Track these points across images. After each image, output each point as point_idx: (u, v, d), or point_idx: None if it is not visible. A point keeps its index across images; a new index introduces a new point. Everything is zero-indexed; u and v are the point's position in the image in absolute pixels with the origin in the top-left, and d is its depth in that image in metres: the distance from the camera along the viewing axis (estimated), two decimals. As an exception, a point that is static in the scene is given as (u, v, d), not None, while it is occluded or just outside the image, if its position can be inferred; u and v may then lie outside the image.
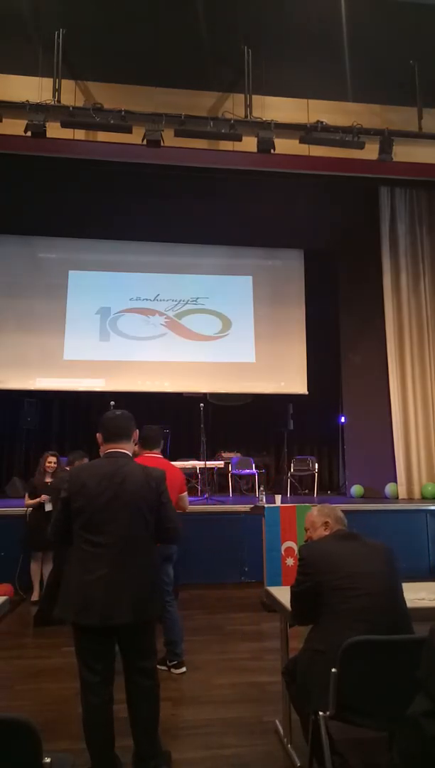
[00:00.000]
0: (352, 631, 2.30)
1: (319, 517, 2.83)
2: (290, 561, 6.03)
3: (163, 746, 2.88)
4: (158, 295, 10.82)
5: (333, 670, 2.27)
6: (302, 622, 2.73)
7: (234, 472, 10.11)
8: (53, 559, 6.18)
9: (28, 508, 6.33)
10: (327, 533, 2.76)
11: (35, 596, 6.30)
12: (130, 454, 2.97)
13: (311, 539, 2.84)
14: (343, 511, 2.92)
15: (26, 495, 6.49)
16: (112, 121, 6.55)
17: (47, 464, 6.45)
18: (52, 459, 6.50)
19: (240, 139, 6.76)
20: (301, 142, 6.96)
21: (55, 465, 6.47)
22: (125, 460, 2.89)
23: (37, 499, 6.22)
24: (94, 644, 2.70)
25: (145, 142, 6.56)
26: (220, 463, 10.02)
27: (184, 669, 4.30)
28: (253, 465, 10.33)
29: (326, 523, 2.79)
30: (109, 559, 2.67)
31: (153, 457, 4.32)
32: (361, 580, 2.44)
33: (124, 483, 2.77)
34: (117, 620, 2.62)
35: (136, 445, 3.19)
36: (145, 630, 2.79)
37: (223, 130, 6.77)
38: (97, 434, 3.01)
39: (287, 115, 7.08)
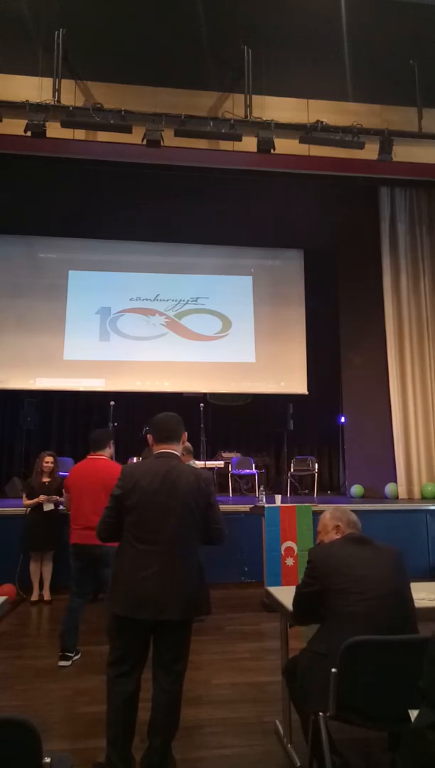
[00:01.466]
0: (355, 634, 2.30)
1: (332, 520, 2.83)
2: (290, 561, 6.02)
3: (173, 757, 2.88)
4: (158, 295, 10.82)
5: (333, 670, 2.27)
6: (303, 623, 2.74)
7: (234, 472, 10.11)
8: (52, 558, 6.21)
9: (26, 508, 6.33)
10: (338, 537, 2.76)
11: (35, 596, 6.30)
12: (179, 454, 3.02)
13: (323, 542, 2.84)
14: (343, 511, 2.91)
15: (24, 495, 6.48)
16: (112, 121, 6.56)
17: (44, 464, 6.44)
18: (49, 459, 6.49)
19: (240, 139, 6.76)
20: (301, 142, 6.96)
21: (53, 465, 6.47)
22: (176, 461, 2.95)
23: (35, 500, 6.21)
24: (137, 638, 2.77)
25: (145, 142, 6.56)
26: (220, 463, 10.01)
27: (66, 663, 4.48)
28: (253, 465, 10.34)
29: (338, 526, 2.79)
30: (161, 557, 2.73)
31: (97, 458, 4.69)
32: (368, 584, 2.44)
33: (176, 482, 2.83)
34: (168, 616, 2.70)
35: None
36: (187, 630, 2.85)
37: (223, 130, 6.77)
38: (148, 435, 3.07)
39: (287, 115, 7.08)
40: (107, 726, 2.76)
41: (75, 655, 4.55)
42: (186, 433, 3.11)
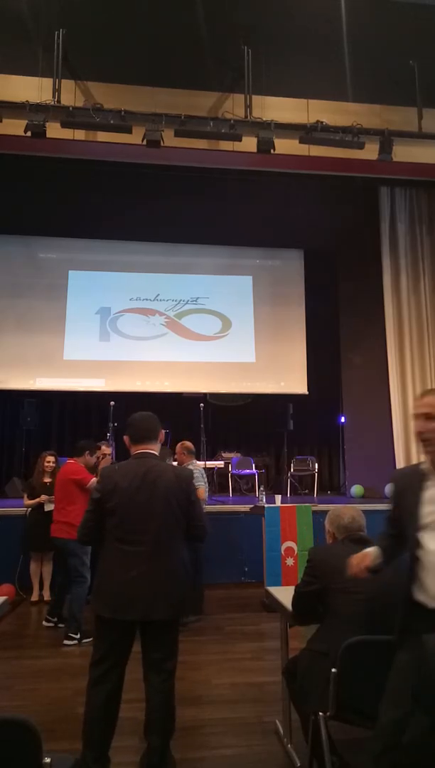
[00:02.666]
0: (354, 634, 2.31)
1: (327, 525, 2.88)
2: (290, 561, 6.02)
3: (172, 756, 2.89)
4: (158, 295, 10.81)
5: (333, 670, 2.28)
6: (303, 623, 2.74)
7: (234, 472, 10.10)
8: (52, 558, 6.22)
9: (26, 508, 6.33)
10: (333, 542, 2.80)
11: (35, 597, 6.30)
12: (157, 453, 3.03)
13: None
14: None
15: (25, 495, 6.48)
16: (111, 121, 6.56)
17: (45, 464, 6.44)
18: (51, 459, 6.49)
19: (240, 140, 6.76)
20: (301, 142, 6.96)
21: (54, 465, 6.46)
22: (155, 461, 2.96)
23: (37, 500, 6.21)
24: (121, 639, 2.77)
25: (144, 142, 6.56)
26: (220, 463, 10.01)
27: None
28: (253, 465, 10.33)
29: (331, 533, 2.84)
30: (145, 557, 2.75)
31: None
32: (367, 584, 2.45)
33: (156, 482, 2.85)
34: (155, 615, 2.71)
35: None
36: (174, 628, 2.86)
37: (223, 130, 6.77)
38: (125, 436, 3.05)
39: (287, 115, 7.08)
40: (84, 725, 2.75)
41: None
42: (163, 432, 3.11)
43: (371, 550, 2.44)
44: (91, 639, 4.53)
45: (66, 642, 4.93)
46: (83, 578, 5.06)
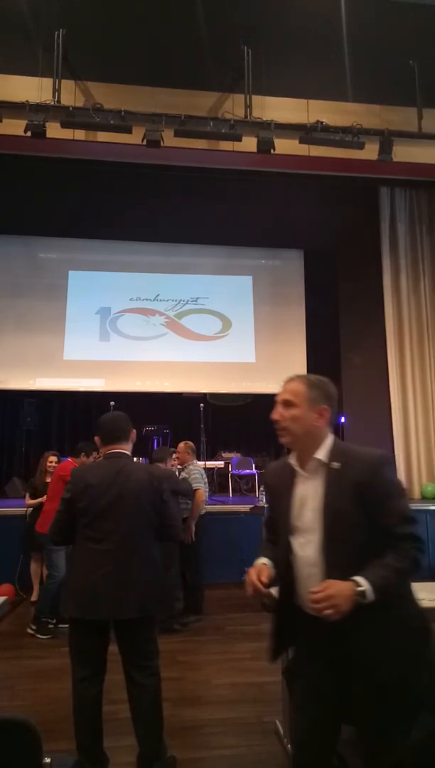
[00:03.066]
0: None
1: None
2: (290, 561, 6.01)
3: (169, 750, 2.89)
4: (158, 295, 10.81)
5: None
6: None
7: (234, 472, 10.08)
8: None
9: (29, 508, 6.33)
10: None
11: (35, 596, 6.30)
12: (129, 453, 3.02)
13: None
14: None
15: (26, 495, 6.49)
16: (111, 122, 6.55)
17: (48, 464, 6.44)
18: (53, 459, 6.49)
19: (240, 140, 6.75)
20: (301, 142, 6.95)
21: (56, 465, 6.46)
22: (126, 460, 2.96)
23: (39, 500, 6.20)
24: (93, 640, 2.76)
25: (144, 142, 6.55)
26: (220, 464, 10.00)
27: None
28: (253, 465, 10.31)
29: None
30: (113, 556, 2.74)
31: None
32: None
33: (128, 482, 2.84)
34: (124, 615, 2.70)
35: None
36: (148, 626, 2.84)
37: (222, 131, 6.76)
38: (96, 437, 3.07)
39: (287, 115, 7.07)
40: (75, 730, 2.76)
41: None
42: (135, 431, 3.11)
43: (264, 562, 2.19)
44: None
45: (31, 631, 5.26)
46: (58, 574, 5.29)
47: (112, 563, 2.72)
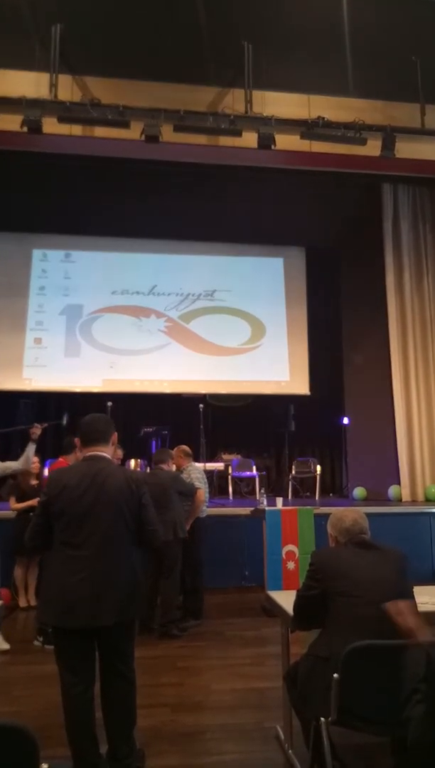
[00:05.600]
0: (356, 638, 2.27)
1: (329, 528, 2.79)
2: (291, 565, 5.92)
3: (138, 744, 2.88)
4: (155, 287, 10.74)
5: (335, 675, 2.25)
6: (304, 628, 2.71)
7: (234, 474, 10.01)
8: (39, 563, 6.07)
9: (14, 511, 6.18)
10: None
11: (23, 602, 6.15)
12: (110, 456, 2.95)
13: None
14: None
15: (12, 498, 6.30)
16: (109, 117, 6.50)
17: (33, 466, 6.29)
18: (35, 460, 6.35)
19: (240, 135, 6.70)
20: (302, 138, 6.89)
21: (39, 466, 6.35)
22: (105, 463, 2.88)
23: (29, 502, 6.01)
24: (77, 646, 2.71)
25: (143, 137, 6.49)
26: (220, 465, 9.91)
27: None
28: (254, 467, 10.22)
29: (334, 537, 2.75)
30: (91, 561, 2.66)
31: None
32: (368, 587, 2.40)
33: (105, 485, 2.76)
34: (101, 621, 2.63)
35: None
36: (126, 631, 2.79)
37: (222, 126, 6.71)
38: (75, 439, 2.98)
39: (288, 110, 7.01)
40: (69, 737, 2.72)
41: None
42: (116, 433, 3.02)
43: None
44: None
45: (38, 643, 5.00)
46: None
47: (87, 569, 2.65)
